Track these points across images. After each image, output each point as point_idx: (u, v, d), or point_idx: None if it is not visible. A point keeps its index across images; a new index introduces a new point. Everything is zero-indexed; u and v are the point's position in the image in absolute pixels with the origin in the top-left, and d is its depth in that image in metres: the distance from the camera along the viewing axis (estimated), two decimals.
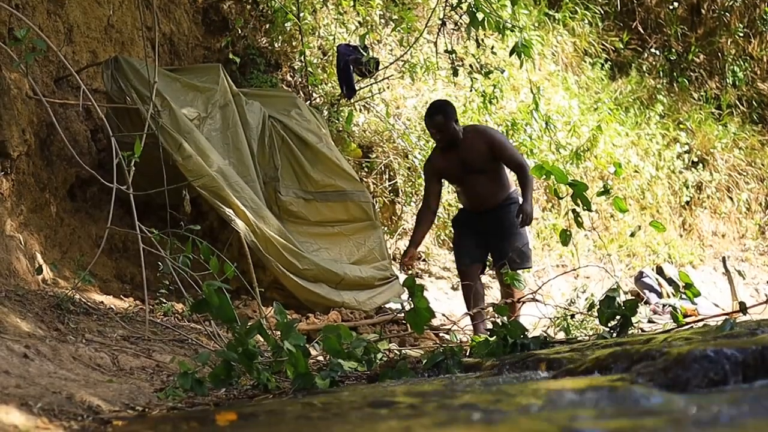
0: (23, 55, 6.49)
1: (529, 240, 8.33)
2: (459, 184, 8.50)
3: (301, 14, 10.46)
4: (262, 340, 4.76)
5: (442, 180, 8.60)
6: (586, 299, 8.59)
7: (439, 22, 10.35)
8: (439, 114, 8.22)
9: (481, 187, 8.25)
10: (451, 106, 8.40)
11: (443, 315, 8.14)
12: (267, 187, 8.51)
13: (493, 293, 10.50)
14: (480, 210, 8.34)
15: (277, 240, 8.00)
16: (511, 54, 9.31)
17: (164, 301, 7.20)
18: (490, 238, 8.26)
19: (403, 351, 6.39)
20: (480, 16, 8.74)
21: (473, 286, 8.28)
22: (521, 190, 8.10)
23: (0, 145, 6.74)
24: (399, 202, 10.61)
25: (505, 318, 5.32)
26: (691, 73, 16.30)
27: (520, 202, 8.01)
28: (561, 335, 7.09)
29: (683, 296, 6.01)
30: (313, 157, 8.87)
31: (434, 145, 8.59)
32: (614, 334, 5.33)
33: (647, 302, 11.28)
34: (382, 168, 10.48)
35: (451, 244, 9.76)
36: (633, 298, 8.03)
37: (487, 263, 8.49)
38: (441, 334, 8.11)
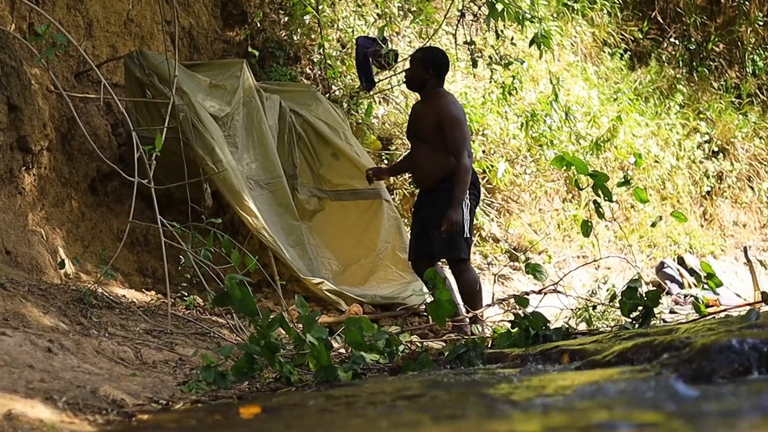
0: (44, 50, 6.51)
1: (466, 227, 7.67)
2: (410, 144, 8.24)
3: (320, 7, 10.45)
4: (284, 333, 4.76)
5: None
6: (607, 290, 8.58)
7: (458, 13, 10.33)
8: (419, 52, 8.09)
9: (419, 158, 7.88)
10: (435, 54, 8.05)
11: (465, 307, 8.12)
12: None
13: (513, 284, 10.49)
14: (420, 186, 8.09)
15: (280, 252, 7.94)
16: (531, 45, 9.28)
17: (186, 294, 7.22)
18: (429, 227, 7.84)
19: (425, 343, 6.39)
20: (499, 6, 8.69)
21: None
22: (453, 185, 7.56)
23: (21, 140, 6.76)
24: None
25: (526, 310, 5.33)
26: (711, 63, 16.24)
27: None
28: (583, 326, 7.08)
29: (705, 286, 5.98)
30: (330, 153, 8.87)
31: None
32: (636, 325, 5.32)
33: (669, 293, 11.27)
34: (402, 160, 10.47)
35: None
36: (654, 288, 8.01)
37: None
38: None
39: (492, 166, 10.94)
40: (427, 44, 11.00)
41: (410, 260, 8.21)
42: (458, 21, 10.37)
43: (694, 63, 15.95)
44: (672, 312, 10.08)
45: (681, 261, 12.26)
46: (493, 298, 8.03)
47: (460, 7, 10.26)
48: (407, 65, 10.32)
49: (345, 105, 10.24)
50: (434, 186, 7.78)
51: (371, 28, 10.89)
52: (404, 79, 8.21)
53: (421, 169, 7.89)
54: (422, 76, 7.79)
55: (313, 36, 10.58)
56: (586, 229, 6.48)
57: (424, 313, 8.24)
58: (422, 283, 7.95)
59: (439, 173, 7.72)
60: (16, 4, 7.19)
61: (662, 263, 12.11)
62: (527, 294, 6.32)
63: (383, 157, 10.38)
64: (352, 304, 8.13)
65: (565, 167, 6.17)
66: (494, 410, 2.66)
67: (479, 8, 10.07)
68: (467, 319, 7.47)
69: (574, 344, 4.24)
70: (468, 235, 7.70)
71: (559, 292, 6.91)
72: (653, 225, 8.64)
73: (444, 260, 8.12)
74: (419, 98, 8.01)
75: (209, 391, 4.09)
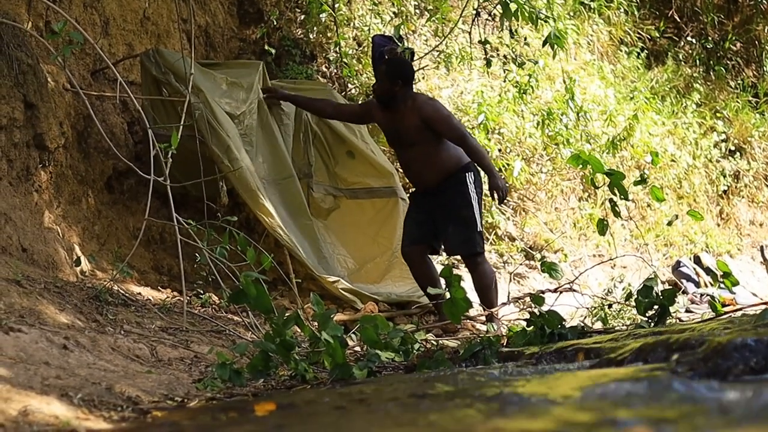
0: (60, 47, 6.53)
1: (478, 223, 7.80)
2: (395, 151, 8.24)
3: (336, 5, 10.47)
4: (299, 330, 4.77)
5: (367, 124, 8.69)
6: (623, 289, 8.56)
7: (474, 12, 10.32)
8: (383, 65, 8.01)
9: (414, 162, 7.88)
10: (402, 65, 8.04)
11: (480, 305, 8.12)
12: (300, 184, 8.49)
13: (529, 283, 10.48)
14: (421, 189, 8.01)
15: (295, 250, 7.94)
16: (544, 45, 9.27)
17: (201, 292, 7.23)
18: (437, 222, 7.90)
19: (440, 341, 6.39)
20: (513, 6, 8.67)
21: (417, 268, 7.99)
22: (477, 163, 7.69)
23: (38, 138, 6.78)
24: None
25: (542, 308, 5.32)
26: (728, 62, 16.18)
27: (470, 181, 7.70)
28: (598, 325, 7.08)
29: (721, 285, 5.99)
30: (346, 151, 8.88)
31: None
32: (652, 324, 5.32)
33: (685, 292, 11.23)
34: None
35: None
36: (670, 287, 7.99)
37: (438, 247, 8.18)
38: (478, 325, 8.10)
39: (508, 164, 10.93)
40: (443, 43, 11.01)
41: (404, 246, 8.09)
42: (474, 20, 10.36)
43: (711, 62, 15.90)
44: (688, 311, 10.07)
45: (697, 260, 12.22)
46: (508, 296, 8.04)
47: (476, 6, 10.25)
48: (423, 64, 10.35)
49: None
50: (439, 184, 7.79)
51: (387, 27, 10.90)
52: (373, 94, 8.16)
53: (423, 173, 7.87)
54: (392, 88, 7.76)
55: (329, 34, 10.59)
56: (602, 227, 6.47)
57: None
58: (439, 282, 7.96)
59: (443, 171, 7.78)
60: (32, 2, 7.20)
61: (678, 262, 12.09)
62: (543, 293, 6.32)
63: None
64: (368, 302, 8.13)
65: (581, 166, 6.17)
66: (508, 408, 2.65)
67: (494, 7, 10.04)
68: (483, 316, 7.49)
69: (589, 343, 4.24)
70: (480, 229, 7.73)
71: (574, 290, 6.92)
72: (669, 224, 8.63)
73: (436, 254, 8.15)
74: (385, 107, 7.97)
75: (224, 388, 4.09)
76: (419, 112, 7.69)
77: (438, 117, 7.71)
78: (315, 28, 10.50)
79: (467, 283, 7.91)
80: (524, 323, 5.49)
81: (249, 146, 8.02)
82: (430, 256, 8.11)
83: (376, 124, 8.51)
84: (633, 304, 5.66)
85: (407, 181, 8.97)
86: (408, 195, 8.73)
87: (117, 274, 6.54)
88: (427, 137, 7.68)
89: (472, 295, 7.63)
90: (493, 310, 7.33)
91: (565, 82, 11.14)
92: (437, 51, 11.12)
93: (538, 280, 10.51)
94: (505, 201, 7.81)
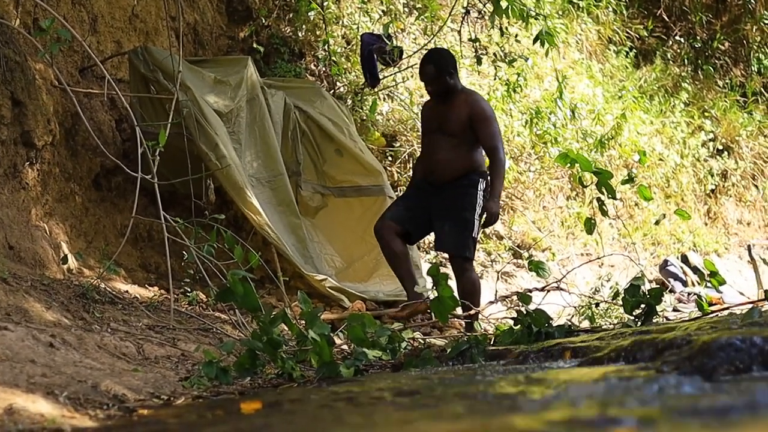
0: (48, 45, 6.52)
1: (476, 229, 7.67)
2: (425, 137, 8.04)
3: (325, 3, 10.47)
4: (286, 329, 4.76)
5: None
6: (610, 288, 8.57)
7: (463, 10, 10.32)
8: (430, 64, 7.80)
9: (442, 151, 7.73)
10: (447, 57, 7.90)
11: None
12: (290, 182, 8.49)
13: (517, 281, 10.49)
14: (431, 179, 7.83)
15: (283, 248, 7.93)
16: (534, 42, 9.28)
17: (189, 290, 7.22)
18: (434, 216, 7.78)
19: (427, 340, 6.39)
20: (504, 4, 8.68)
21: (385, 246, 7.86)
22: (491, 179, 7.59)
23: (25, 135, 6.77)
24: None
25: (529, 307, 5.33)
26: (716, 61, 16.22)
27: (481, 187, 7.62)
28: (585, 324, 7.08)
29: (708, 284, 6.01)
30: (334, 149, 8.88)
31: None
32: (639, 323, 5.33)
33: (672, 291, 11.26)
34: (406, 157, 10.48)
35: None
36: (658, 286, 8.01)
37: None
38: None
39: None
40: (432, 41, 11.00)
41: (379, 220, 7.96)
42: (463, 18, 10.36)
43: (699, 61, 15.94)
44: (675, 310, 10.08)
45: (684, 259, 12.25)
46: (496, 295, 8.02)
47: (465, 4, 10.25)
48: (412, 62, 10.33)
49: (349, 101, 10.25)
50: (453, 180, 7.72)
51: (376, 25, 10.91)
52: (430, 94, 8.05)
53: (444, 162, 7.73)
54: (446, 82, 7.70)
55: (317, 32, 10.60)
56: (590, 226, 6.48)
57: (427, 310, 8.22)
58: (425, 280, 7.97)
59: (462, 168, 7.68)
60: None
61: (666, 261, 12.11)
62: (530, 291, 6.32)
63: (387, 154, 10.38)
64: (355, 300, 8.13)
65: (569, 164, 6.18)
66: (495, 407, 2.65)
67: (484, 5, 10.04)
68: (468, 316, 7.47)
69: (576, 341, 4.24)
70: (476, 236, 7.69)
71: (562, 289, 6.91)
72: (657, 223, 8.65)
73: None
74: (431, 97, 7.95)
75: (211, 386, 4.08)
76: (471, 107, 7.63)
77: (485, 118, 7.63)
78: (304, 26, 10.50)
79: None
80: (511, 322, 5.49)
81: (237, 144, 8.01)
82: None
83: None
84: (620, 302, 5.66)
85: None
86: (413, 178, 8.68)
87: (104, 272, 6.53)
88: (466, 135, 7.61)
89: None
90: (471, 311, 7.30)
91: (558, 79, 11.14)
92: (426, 49, 11.12)
93: (526, 279, 10.52)
94: (489, 227, 7.74)
